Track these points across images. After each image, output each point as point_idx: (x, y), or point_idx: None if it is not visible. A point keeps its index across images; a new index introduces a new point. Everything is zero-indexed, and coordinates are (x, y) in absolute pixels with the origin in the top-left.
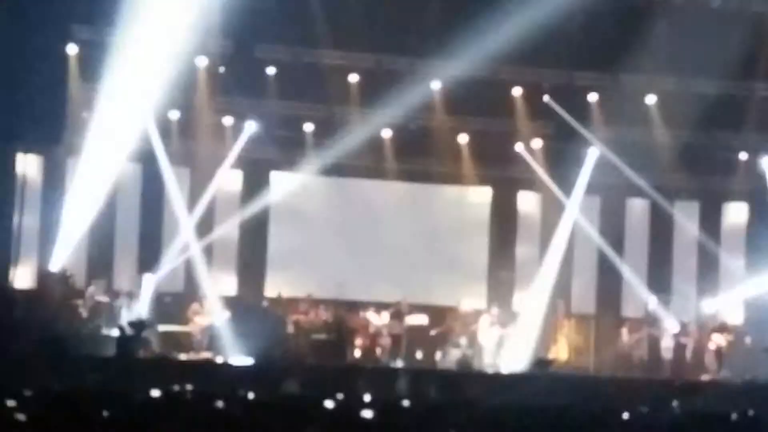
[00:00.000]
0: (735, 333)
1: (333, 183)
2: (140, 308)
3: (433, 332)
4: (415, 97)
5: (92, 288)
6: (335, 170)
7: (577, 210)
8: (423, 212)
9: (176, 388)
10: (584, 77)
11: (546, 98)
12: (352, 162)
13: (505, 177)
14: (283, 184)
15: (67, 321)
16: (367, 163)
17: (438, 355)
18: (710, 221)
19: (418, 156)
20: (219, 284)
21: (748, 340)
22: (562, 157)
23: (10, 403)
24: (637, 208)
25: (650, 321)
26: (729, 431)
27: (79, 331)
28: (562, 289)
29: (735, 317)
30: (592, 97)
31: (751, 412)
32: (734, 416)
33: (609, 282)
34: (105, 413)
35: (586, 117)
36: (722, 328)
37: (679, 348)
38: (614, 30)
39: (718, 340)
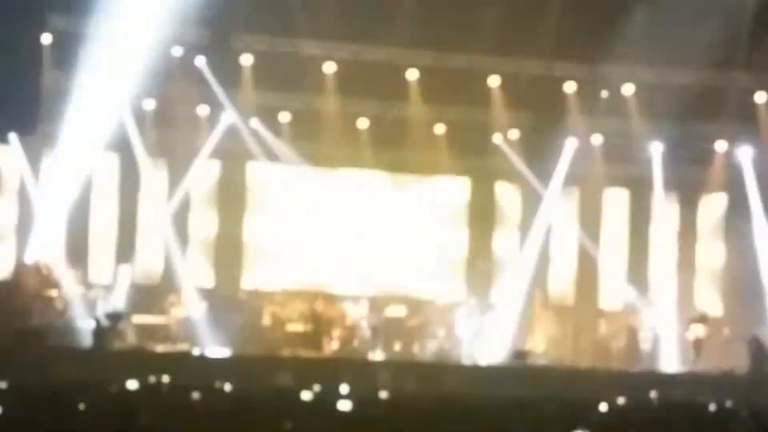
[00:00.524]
0: (713, 324)
1: (309, 173)
2: (116, 299)
3: (410, 324)
4: (392, 87)
5: (68, 279)
6: (312, 161)
7: (555, 201)
8: (401, 203)
9: (152, 379)
10: (562, 67)
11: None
12: (329, 152)
13: (483, 168)
14: (259, 175)
15: (43, 313)
16: (344, 154)
17: (416, 347)
18: (689, 212)
19: (395, 146)
20: (195, 276)
21: (726, 330)
22: (540, 148)
23: None
24: (616, 199)
25: (628, 312)
26: (707, 422)
27: (55, 322)
28: (540, 280)
29: (714, 308)
30: (570, 87)
31: (728, 403)
32: (712, 407)
33: (587, 273)
34: (81, 405)
35: (563, 107)
36: (700, 319)
37: (658, 339)
38: (592, 20)
39: (696, 331)
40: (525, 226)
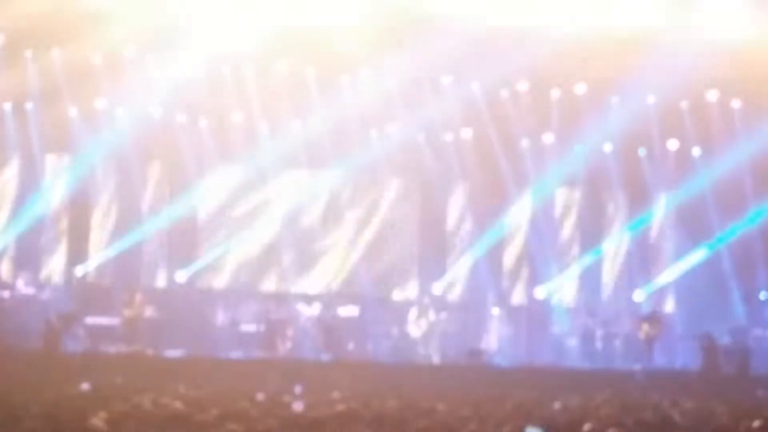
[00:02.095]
0: (665, 321)
1: (262, 173)
2: (68, 300)
3: (363, 324)
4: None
5: (19, 280)
6: (265, 160)
7: (508, 200)
8: (354, 202)
9: (105, 381)
10: None
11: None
12: (281, 152)
13: (435, 167)
14: (216, 175)
15: None
16: (297, 153)
17: (369, 346)
18: (640, 210)
19: (347, 146)
20: (149, 276)
21: (678, 328)
22: (492, 148)
23: None
24: (567, 198)
25: (582, 310)
26: (660, 419)
27: (5, 324)
28: (493, 278)
29: (665, 305)
30: (522, 86)
31: (681, 400)
32: (665, 405)
33: (540, 271)
34: (33, 408)
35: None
36: (652, 317)
37: (611, 337)
38: None
39: (648, 329)
40: (478, 225)
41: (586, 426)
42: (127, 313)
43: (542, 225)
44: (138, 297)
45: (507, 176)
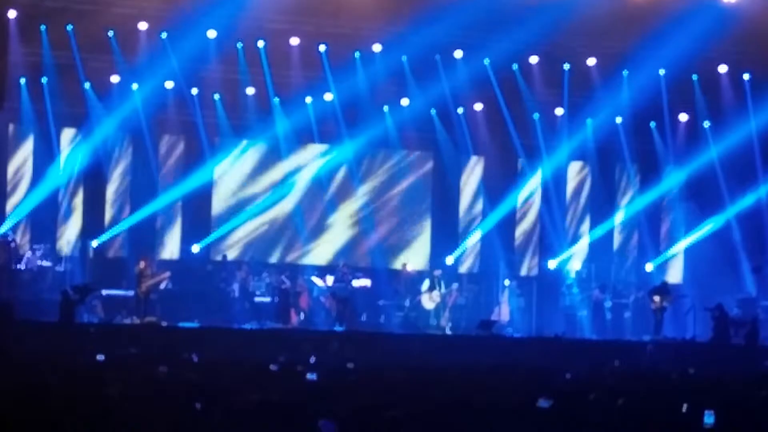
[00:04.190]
0: (675, 293)
1: (275, 147)
2: (84, 273)
3: (376, 295)
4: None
5: (35, 253)
6: (279, 135)
7: (520, 174)
8: (367, 176)
9: (121, 352)
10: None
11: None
12: (295, 126)
13: (447, 141)
14: (225, 149)
15: (9, 286)
16: (310, 128)
17: (382, 318)
18: (651, 182)
19: (361, 120)
20: (164, 248)
21: (687, 300)
22: (504, 121)
23: None
24: (579, 171)
25: (593, 282)
26: (669, 389)
27: (22, 295)
28: (504, 250)
29: (675, 277)
30: (533, 59)
31: (691, 371)
32: (674, 375)
33: (552, 244)
34: (49, 378)
35: (529, 81)
36: (662, 289)
37: (621, 308)
38: None
39: (658, 301)
40: (491, 199)
41: (595, 396)
42: (143, 284)
43: (553, 198)
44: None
45: (518, 149)
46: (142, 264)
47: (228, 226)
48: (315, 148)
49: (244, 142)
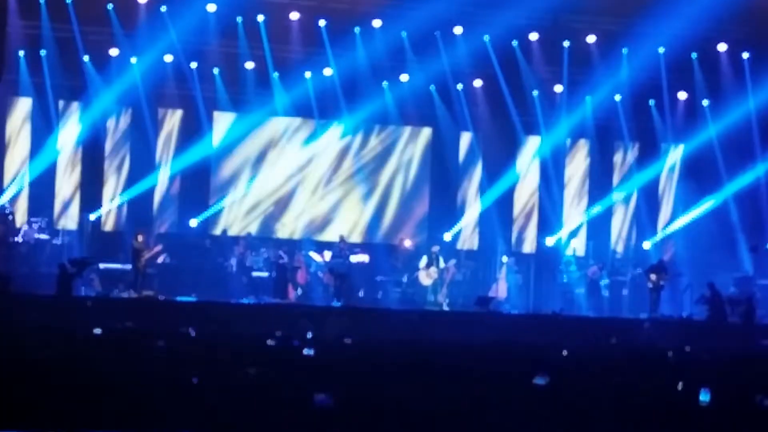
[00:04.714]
0: (672, 271)
1: (275, 122)
2: (81, 246)
3: (374, 271)
4: (356, 36)
5: (33, 226)
6: (277, 109)
7: (519, 150)
8: (366, 151)
9: (117, 326)
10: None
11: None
12: (294, 101)
13: (447, 117)
14: (224, 123)
15: (7, 259)
16: (309, 103)
17: (380, 294)
18: (649, 160)
19: (360, 96)
20: (162, 222)
21: (684, 278)
22: (503, 98)
23: None
24: (578, 148)
25: (591, 259)
26: (665, 367)
27: (20, 269)
28: (502, 227)
29: (673, 255)
30: (533, 36)
31: (687, 349)
32: (670, 353)
33: (550, 221)
34: (46, 351)
35: (528, 57)
36: (660, 267)
37: (618, 286)
38: None
39: (655, 279)
40: (488, 175)
41: (591, 373)
42: (141, 258)
43: (552, 175)
44: (151, 243)
45: (518, 126)
46: (140, 238)
47: (226, 201)
48: (314, 123)
49: (243, 117)
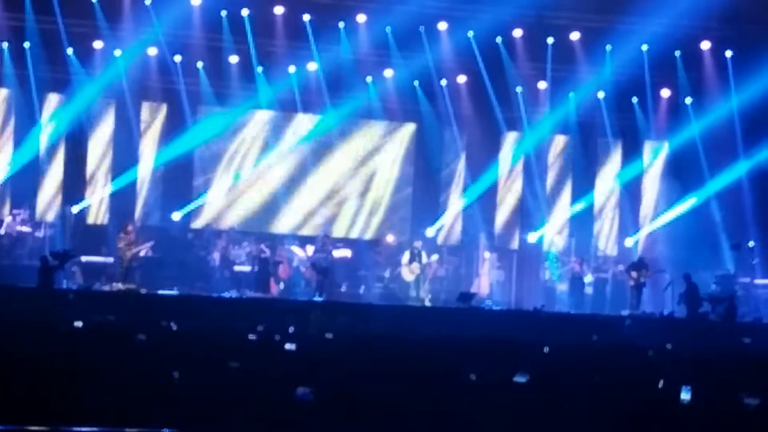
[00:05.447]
0: (653, 268)
1: (258, 116)
2: (64, 239)
3: (356, 266)
4: (341, 31)
5: (15, 218)
6: (261, 103)
7: (502, 145)
8: (349, 146)
9: (99, 319)
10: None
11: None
12: (278, 95)
13: (430, 113)
14: (208, 117)
15: None
16: (293, 97)
17: (362, 289)
18: (632, 157)
19: (344, 91)
20: (144, 215)
21: (666, 275)
22: (486, 94)
23: None
24: (561, 145)
25: (573, 256)
26: (646, 363)
27: (1, 261)
28: (485, 223)
29: (654, 253)
30: (517, 33)
31: (668, 346)
32: (651, 351)
33: (532, 217)
34: (27, 344)
35: (512, 54)
36: (641, 264)
37: (600, 283)
38: None
39: (636, 276)
40: (472, 171)
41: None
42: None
43: (535, 171)
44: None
45: (501, 122)
46: (129, 228)
47: (209, 195)
48: (297, 118)
49: (226, 110)
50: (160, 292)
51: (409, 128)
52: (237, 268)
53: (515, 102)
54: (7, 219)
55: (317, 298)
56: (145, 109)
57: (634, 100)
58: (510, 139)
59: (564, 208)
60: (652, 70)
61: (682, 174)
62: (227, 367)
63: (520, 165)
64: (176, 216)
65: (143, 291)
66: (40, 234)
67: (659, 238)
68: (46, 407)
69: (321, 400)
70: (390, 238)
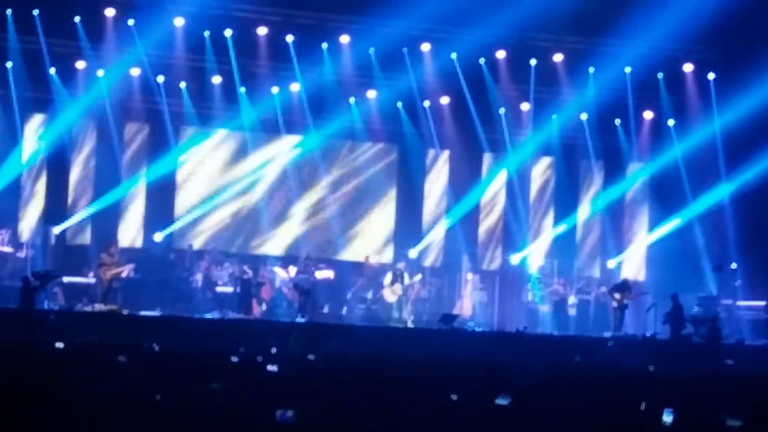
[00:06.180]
0: (636, 290)
1: (241, 137)
2: (45, 259)
3: (339, 288)
4: (324, 52)
5: None
6: (244, 124)
7: (485, 167)
8: (333, 167)
9: (81, 340)
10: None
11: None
12: (262, 116)
13: (413, 134)
14: (191, 138)
15: None
16: (276, 118)
17: (344, 310)
18: (614, 179)
19: (327, 112)
20: (126, 236)
21: (649, 297)
22: (470, 115)
23: None
24: (543, 167)
25: (555, 278)
26: (629, 385)
27: None
28: (468, 245)
29: (637, 274)
30: (500, 54)
31: (651, 368)
32: (634, 372)
33: (515, 239)
34: (8, 365)
35: (495, 75)
36: (624, 286)
37: (583, 305)
38: None
39: (619, 298)
40: (455, 192)
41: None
42: (105, 272)
43: (517, 192)
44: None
45: (484, 144)
46: (112, 249)
47: (191, 216)
48: (280, 139)
49: (209, 131)
50: (142, 312)
51: (392, 149)
52: (219, 288)
53: (498, 123)
54: None
55: (299, 320)
56: (128, 129)
57: (617, 122)
58: (493, 160)
59: (547, 230)
60: (634, 92)
61: (664, 196)
62: (209, 388)
63: (503, 186)
64: (158, 237)
65: (125, 312)
66: (21, 254)
67: (642, 260)
68: (26, 429)
69: (303, 422)
70: (372, 260)
